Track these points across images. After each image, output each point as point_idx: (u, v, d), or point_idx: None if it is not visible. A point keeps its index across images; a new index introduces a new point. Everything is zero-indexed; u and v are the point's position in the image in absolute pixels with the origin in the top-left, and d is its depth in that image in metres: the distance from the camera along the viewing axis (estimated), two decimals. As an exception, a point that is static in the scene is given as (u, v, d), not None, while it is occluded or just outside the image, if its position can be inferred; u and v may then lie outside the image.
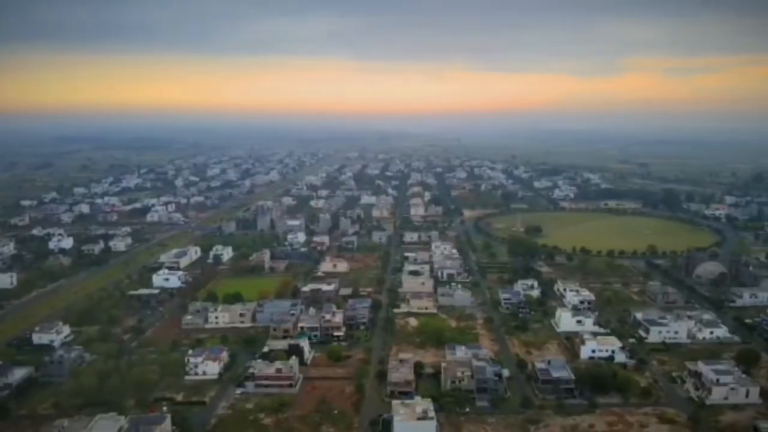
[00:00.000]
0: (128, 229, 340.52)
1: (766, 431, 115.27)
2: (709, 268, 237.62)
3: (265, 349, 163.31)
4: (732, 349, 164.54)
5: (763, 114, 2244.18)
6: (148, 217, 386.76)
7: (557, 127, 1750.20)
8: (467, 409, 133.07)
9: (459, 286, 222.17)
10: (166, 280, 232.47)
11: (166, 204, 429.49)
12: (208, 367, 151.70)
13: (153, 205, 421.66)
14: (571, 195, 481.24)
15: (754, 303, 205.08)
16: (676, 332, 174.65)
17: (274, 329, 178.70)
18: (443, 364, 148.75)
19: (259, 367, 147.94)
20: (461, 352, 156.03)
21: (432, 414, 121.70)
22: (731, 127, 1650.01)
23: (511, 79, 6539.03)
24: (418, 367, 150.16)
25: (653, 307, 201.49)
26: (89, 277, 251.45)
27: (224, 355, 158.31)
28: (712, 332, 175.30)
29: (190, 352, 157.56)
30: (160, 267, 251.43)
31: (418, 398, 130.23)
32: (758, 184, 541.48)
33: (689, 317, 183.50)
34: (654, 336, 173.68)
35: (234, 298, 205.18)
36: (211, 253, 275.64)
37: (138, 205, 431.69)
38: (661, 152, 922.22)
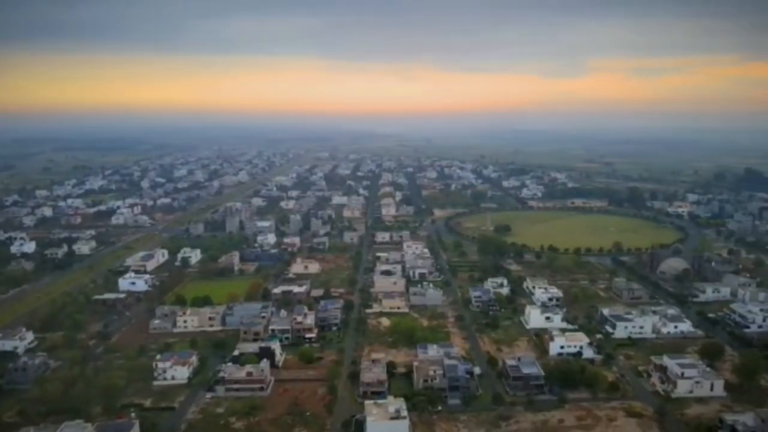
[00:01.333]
0: (93, 232, 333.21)
1: (732, 423, 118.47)
2: (672, 265, 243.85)
3: (236, 352, 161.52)
4: (696, 343, 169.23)
5: (723, 113, 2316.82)
6: (113, 220, 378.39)
7: (525, 127, 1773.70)
8: (439, 408, 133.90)
9: (430, 285, 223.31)
10: (133, 283, 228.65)
11: (131, 206, 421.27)
12: (176, 372, 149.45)
13: (118, 208, 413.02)
14: (539, 194, 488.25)
15: (716, 298, 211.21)
16: (641, 327, 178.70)
17: (245, 332, 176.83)
18: (415, 364, 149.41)
19: (230, 370, 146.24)
20: (433, 351, 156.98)
21: (404, 413, 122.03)
22: (693, 126, 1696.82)
23: (479, 80, 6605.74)
24: (390, 366, 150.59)
25: (619, 303, 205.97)
26: (53, 281, 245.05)
27: (193, 359, 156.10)
28: (676, 327, 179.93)
29: (158, 356, 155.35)
30: (126, 270, 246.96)
31: (390, 398, 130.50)
32: (719, 182, 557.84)
33: (654, 312, 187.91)
34: (620, 331, 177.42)
35: (203, 302, 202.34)
36: (179, 256, 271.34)
37: (103, 207, 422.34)
38: (626, 151, 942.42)
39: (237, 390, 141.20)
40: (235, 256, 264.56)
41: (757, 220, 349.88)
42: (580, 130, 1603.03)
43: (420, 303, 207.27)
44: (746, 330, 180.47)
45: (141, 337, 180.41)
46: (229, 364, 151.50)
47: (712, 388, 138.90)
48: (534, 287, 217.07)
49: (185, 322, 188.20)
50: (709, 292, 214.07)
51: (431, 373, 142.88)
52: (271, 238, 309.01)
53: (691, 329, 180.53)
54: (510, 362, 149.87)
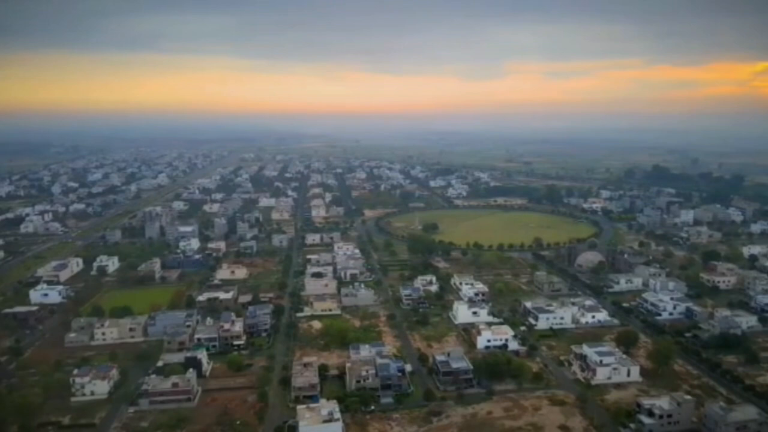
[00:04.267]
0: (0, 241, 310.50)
1: (648, 407, 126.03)
2: (588, 258, 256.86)
3: (160, 363, 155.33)
4: (612, 331, 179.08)
5: (631, 114, 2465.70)
6: (22, 228, 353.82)
7: (448, 128, 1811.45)
8: (372, 407, 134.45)
9: (362, 285, 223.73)
10: (45, 295, 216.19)
11: (42, 213, 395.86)
12: (96, 387, 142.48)
13: (27, 215, 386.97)
14: (464, 193, 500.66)
15: (629, 288, 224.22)
16: (562, 318, 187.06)
17: (169, 342, 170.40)
18: (348, 365, 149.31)
19: (153, 382, 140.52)
20: (365, 351, 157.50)
21: (338, 415, 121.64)
22: (604, 126, 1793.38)
23: (402, 81, 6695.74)
24: (322, 369, 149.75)
25: (541, 296, 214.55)
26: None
27: (114, 372, 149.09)
28: (594, 316, 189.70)
29: (76, 371, 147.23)
30: (37, 282, 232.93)
31: (323, 401, 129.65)
32: (629, 178, 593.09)
33: (573, 304, 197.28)
34: (542, 323, 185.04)
35: (122, 312, 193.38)
36: (95, 265, 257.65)
37: (10, 215, 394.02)
38: (543, 151, 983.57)
39: (162, 402, 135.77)
40: (156, 264, 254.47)
41: (665, 214, 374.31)
42: (499, 130, 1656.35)
43: (352, 304, 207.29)
44: (658, 317, 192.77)
45: (56, 351, 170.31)
46: (153, 375, 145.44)
47: (628, 374, 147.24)
48: (461, 283, 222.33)
49: (104, 334, 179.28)
50: (622, 283, 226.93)
51: (364, 373, 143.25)
52: (195, 244, 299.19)
53: (608, 318, 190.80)
54: (440, 358, 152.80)
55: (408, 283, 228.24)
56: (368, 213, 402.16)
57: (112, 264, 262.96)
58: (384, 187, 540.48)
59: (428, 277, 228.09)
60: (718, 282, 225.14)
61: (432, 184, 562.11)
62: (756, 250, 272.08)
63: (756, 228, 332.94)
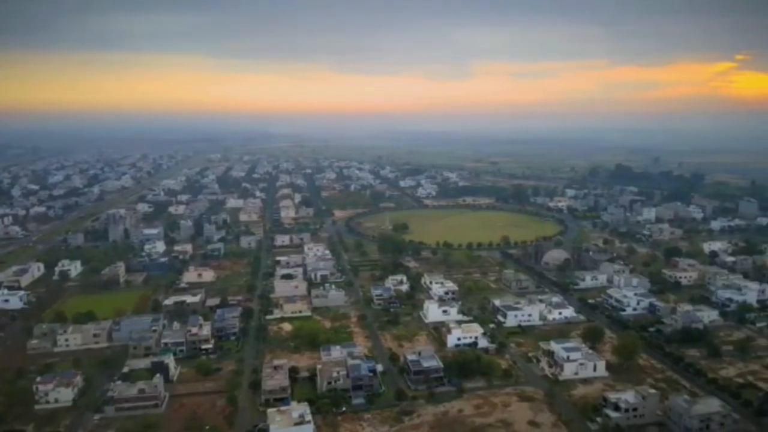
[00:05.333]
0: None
1: (615, 401, 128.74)
2: (555, 255, 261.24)
3: (125, 369, 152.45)
4: (579, 327, 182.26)
5: (594, 114, 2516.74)
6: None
7: (416, 128, 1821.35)
8: (344, 409, 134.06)
9: (332, 286, 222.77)
10: (6, 301, 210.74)
11: (1, 216, 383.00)
12: (60, 394, 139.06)
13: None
14: (433, 193, 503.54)
15: (595, 285, 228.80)
16: (530, 315, 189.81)
17: (135, 347, 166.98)
18: (318, 366, 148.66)
19: (119, 388, 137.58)
20: (336, 352, 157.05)
21: (309, 418, 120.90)
22: (568, 126, 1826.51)
23: (371, 82, 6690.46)
24: (293, 372, 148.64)
25: (509, 294, 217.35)
26: None
27: (78, 379, 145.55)
28: (560, 313, 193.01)
29: (39, 378, 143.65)
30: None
31: (294, 404, 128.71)
32: (594, 177, 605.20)
33: (540, 301, 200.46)
34: (511, 320, 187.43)
35: (86, 317, 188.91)
36: (57, 269, 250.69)
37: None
38: (510, 151, 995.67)
39: (128, 409, 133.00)
40: (121, 267, 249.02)
41: (628, 211, 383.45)
42: (467, 131, 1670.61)
43: (323, 305, 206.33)
44: (622, 313, 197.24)
45: (18, 358, 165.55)
46: (119, 382, 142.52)
47: (595, 369, 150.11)
48: (431, 282, 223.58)
49: (67, 340, 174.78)
50: (588, 280, 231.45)
51: (335, 374, 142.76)
52: (160, 246, 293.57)
53: (574, 315, 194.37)
54: (411, 357, 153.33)
55: (379, 283, 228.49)
56: (338, 213, 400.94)
57: (75, 268, 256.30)
58: (354, 188, 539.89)
59: (399, 277, 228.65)
60: (680, 278, 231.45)
61: (402, 184, 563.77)
62: (716, 246, 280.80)
63: (716, 225, 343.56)
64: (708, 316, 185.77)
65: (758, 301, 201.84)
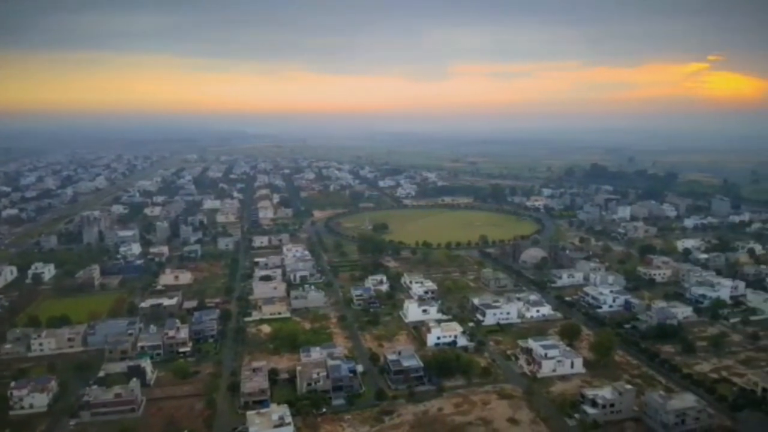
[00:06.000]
0: None
1: (592, 397, 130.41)
2: (532, 254, 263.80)
3: (101, 373, 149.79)
4: (556, 324, 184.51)
5: (569, 114, 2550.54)
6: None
7: (395, 128, 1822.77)
8: (324, 410, 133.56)
9: (312, 287, 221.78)
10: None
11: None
12: (35, 400, 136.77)
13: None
14: (413, 193, 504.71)
15: (571, 282, 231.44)
16: (508, 313, 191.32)
17: (110, 351, 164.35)
18: (298, 368, 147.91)
19: (95, 393, 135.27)
20: (316, 353, 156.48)
21: (288, 420, 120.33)
22: (543, 126, 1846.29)
23: (348, 81, 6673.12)
24: (272, 374, 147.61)
25: (487, 292, 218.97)
26: None
27: (53, 384, 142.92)
28: (538, 311, 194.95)
29: (13, 384, 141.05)
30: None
31: (273, 406, 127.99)
32: (569, 177, 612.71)
33: (518, 299, 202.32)
34: (489, 318, 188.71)
35: (60, 321, 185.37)
36: (30, 272, 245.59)
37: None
38: (487, 151, 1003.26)
39: (105, 414, 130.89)
40: (95, 270, 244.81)
41: (603, 210, 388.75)
42: (444, 131, 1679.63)
43: (302, 306, 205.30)
44: (599, 310, 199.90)
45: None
46: (94, 386, 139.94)
47: (572, 366, 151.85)
48: (411, 282, 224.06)
49: (41, 344, 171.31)
50: (564, 278, 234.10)
51: (315, 375, 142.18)
52: (136, 248, 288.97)
53: (552, 312, 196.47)
54: (391, 357, 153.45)
55: (359, 283, 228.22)
56: (318, 214, 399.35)
57: (48, 271, 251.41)
58: (333, 188, 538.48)
59: (379, 277, 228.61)
60: (655, 275, 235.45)
61: (381, 184, 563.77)
62: (689, 243, 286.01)
63: (689, 223, 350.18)
64: (682, 312, 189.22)
65: (731, 298, 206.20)
